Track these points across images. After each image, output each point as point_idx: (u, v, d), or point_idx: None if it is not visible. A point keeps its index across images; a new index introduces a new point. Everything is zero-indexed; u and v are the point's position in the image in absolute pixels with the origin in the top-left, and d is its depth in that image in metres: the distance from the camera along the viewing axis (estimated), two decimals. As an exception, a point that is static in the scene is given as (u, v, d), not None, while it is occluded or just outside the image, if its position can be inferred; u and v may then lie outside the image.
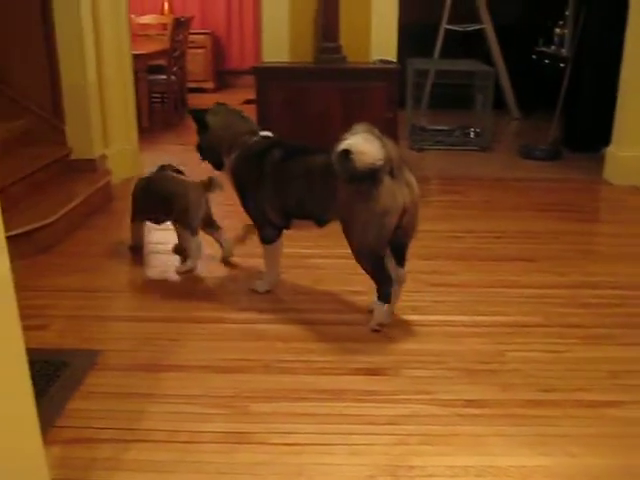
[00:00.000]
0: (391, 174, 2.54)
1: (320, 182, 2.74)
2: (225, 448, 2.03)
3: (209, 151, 3.07)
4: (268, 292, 3.07)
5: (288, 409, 2.22)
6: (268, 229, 3.00)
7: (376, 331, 2.71)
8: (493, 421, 2.16)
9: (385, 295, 2.70)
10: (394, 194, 2.55)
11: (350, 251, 2.73)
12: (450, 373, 2.44)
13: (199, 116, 3.04)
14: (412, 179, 2.64)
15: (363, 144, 2.49)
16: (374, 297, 2.72)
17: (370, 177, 2.51)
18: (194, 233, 3.26)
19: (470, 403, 2.25)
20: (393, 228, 2.59)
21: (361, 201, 2.58)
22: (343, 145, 2.50)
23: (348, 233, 2.70)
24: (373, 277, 2.72)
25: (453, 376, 2.42)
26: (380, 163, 2.47)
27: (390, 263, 2.74)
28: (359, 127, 2.55)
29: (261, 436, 2.08)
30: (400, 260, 2.76)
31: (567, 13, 6.17)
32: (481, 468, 1.95)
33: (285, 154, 2.88)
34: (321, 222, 2.85)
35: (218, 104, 3.15)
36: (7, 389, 1.50)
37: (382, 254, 2.67)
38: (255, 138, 2.99)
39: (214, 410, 2.21)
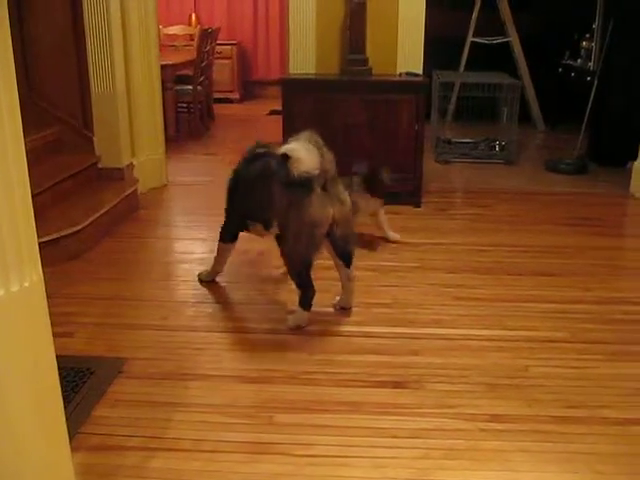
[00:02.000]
0: (324, 187, 2.66)
1: (259, 186, 2.86)
2: (248, 458, 2.04)
3: None
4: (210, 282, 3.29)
5: (311, 420, 2.22)
6: (228, 231, 3.18)
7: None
8: (517, 437, 2.15)
9: (305, 302, 2.81)
10: (324, 206, 2.67)
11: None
12: (474, 387, 2.43)
13: None
14: (345, 196, 2.77)
15: (302, 152, 2.59)
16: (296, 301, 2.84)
17: (304, 185, 2.61)
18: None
19: (494, 418, 2.24)
20: (322, 238, 2.72)
21: (294, 209, 2.68)
22: (283, 149, 2.62)
23: (281, 239, 2.81)
24: (296, 284, 2.83)
25: (477, 390, 2.41)
26: (315, 172, 2.59)
27: (339, 266, 2.89)
28: (302, 134, 2.67)
29: (284, 447, 2.09)
30: (348, 264, 2.88)
31: (594, 26, 6.14)
32: (505, 484, 1.95)
33: (240, 161, 3.05)
34: (267, 225, 2.93)
35: None
36: (38, 396, 1.52)
37: (310, 263, 2.76)
38: None
39: (238, 420, 2.23)
